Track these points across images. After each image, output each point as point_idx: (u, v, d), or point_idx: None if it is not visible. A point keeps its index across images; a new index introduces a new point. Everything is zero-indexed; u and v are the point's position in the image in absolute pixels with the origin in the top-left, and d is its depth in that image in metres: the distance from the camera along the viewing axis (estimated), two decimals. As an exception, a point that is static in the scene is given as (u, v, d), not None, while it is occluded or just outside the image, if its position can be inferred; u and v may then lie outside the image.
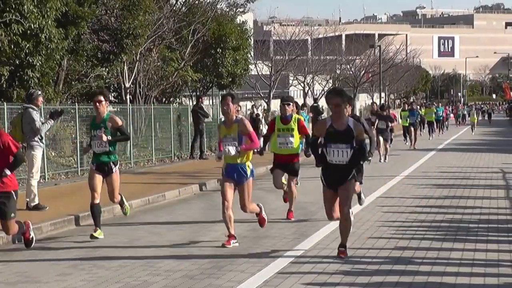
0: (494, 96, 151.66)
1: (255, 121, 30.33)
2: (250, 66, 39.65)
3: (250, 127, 10.81)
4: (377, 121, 26.32)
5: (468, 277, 8.63)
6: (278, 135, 13.38)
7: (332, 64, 61.20)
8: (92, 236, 11.17)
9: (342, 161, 9.73)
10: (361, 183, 13.44)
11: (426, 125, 45.47)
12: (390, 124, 26.76)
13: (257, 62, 48.27)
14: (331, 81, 61.76)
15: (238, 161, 10.71)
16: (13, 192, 10.12)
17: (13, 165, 10.04)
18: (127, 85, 28.07)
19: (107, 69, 25.43)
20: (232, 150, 10.59)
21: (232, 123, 10.77)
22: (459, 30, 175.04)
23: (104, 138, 11.42)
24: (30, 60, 19.63)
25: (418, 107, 49.14)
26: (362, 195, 13.89)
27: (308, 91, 57.25)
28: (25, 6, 19.13)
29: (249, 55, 39.52)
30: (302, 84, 56.50)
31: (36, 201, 13.96)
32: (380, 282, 8.39)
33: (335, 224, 12.48)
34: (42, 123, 14.01)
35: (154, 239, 11.57)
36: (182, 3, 33.01)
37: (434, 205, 14.89)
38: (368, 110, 71.28)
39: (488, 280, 8.50)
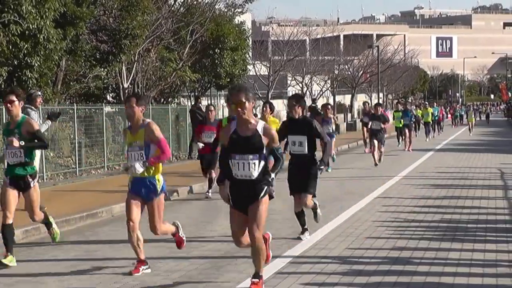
0: (492, 96, 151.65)
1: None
2: (248, 66, 39.65)
3: (159, 133, 9.13)
4: (370, 122, 24.91)
5: (466, 277, 8.64)
6: None
7: (330, 64, 61.18)
8: (0, 263, 9.44)
9: (249, 176, 7.91)
10: (314, 196, 11.43)
11: (422, 126, 43.86)
12: (382, 126, 24.65)
13: (255, 62, 48.27)
14: (329, 81, 61.77)
15: (146, 174, 9.10)
16: None
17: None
18: (125, 85, 28.06)
19: (105, 70, 25.42)
20: (139, 167, 8.99)
21: (138, 129, 9.11)
22: (457, 31, 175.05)
23: (16, 143, 9.65)
24: (29, 61, 19.63)
25: (414, 107, 48.24)
26: (318, 210, 11.75)
27: (306, 91, 57.22)
28: (24, 7, 19.14)
29: (247, 56, 39.53)
30: (300, 85, 56.48)
31: (35, 201, 13.91)
32: (378, 282, 8.41)
33: (334, 225, 12.53)
34: (41, 124, 14.01)
35: (152, 239, 11.56)
36: (180, 3, 33.02)
37: (432, 205, 14.90)
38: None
39: (486, 280, 8.51)
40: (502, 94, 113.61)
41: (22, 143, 9.72)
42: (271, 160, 8.45)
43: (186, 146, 28.48)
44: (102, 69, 25.34)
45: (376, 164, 23.66)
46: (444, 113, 58.13)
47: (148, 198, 9.14)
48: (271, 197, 8.48)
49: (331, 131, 22.97)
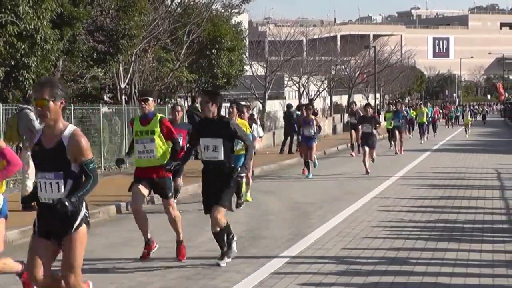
0: (489, 96, 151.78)
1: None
2: (245, 67, 39.66)
3: (1, 143, 7.71)
4: (360, 125, 22.42)
5: (463, 277, 8.65)
6: (136, 140, 10.15)
7: (327, 64, 61.20)
8: None
9: (52, 199, 6.07)
10: (231, 209, 9.90)
11: (416, 127, 42.38)
12: (374, 131, 22.12)
13: (252, 63, 48.27)
14: (326, 82, 61.81)
15: None
16: None
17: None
18: (123, 86, 28.06)
19: (102, 70, 25.42)
20: None
21: None
22: (454, 31, 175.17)
23: None
24: (26, 61, 19.62)
25: (408, 107, 47.40)
26: (234, 245, 9.68)
27: (303, 92, 57.24)
28: (21, 7, 19.12)
29: (244, 56, 39.54)
30: (297, 85, 56.51)
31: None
32: (375, 283, 8.42)
33: (331, 225, 12.54)
34: (40, 125, 14.07)
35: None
36: (177, 4, 33.01)
37: (429, 206, 14.92)
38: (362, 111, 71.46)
39: (483, 280, 8.53)
40: (498, 94, 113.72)
41: None
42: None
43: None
44: (99, 70, 25.34)
45: (367, 172, 21.36)
46: (439, 113, 56.68)
47: None
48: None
49: (312, 133, 21.25)
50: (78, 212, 6.16)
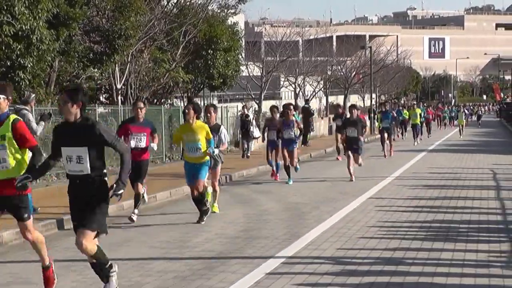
0: (484, 97, 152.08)
1: (245, 122, 30.28)
2: (241, 67, 39.69)
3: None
4: (346, 129, 20.74)
5: (459, 277, 8.67)
6: None
7: (323, 65, 61.29)
8: None
9: None
10: (105, 232, 8.12)
11: (409, 128, 41.32)
12: (360, 137, 20.34)
13: (248, 63, 48.31)
14: (322, 82, 61.85)
15: None
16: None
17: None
18: (119, 86, 28.06)
19: (98, 71, 25.41)
20: None
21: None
22: (449, 31, 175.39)
23: None
24: (22, 62, 19.62)
25: (402, 107, 46.50)
26: (112, 271, 8.05)
27: (299, 92, 57.29)
28: (16, 8, 19.12)
29: (240, 56, 39.56)
30: (293, 85, 56.55)
31: (28, 203, 13.92)
32: (371, 283, 8.43)
33: (327, 225, 12.56)
34: (37, 125, 14.07)
35: (145, 240, 11.58)
36: (173, 4, 33.02)
37: (425, 206, 14.93)
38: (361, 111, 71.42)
39: (479, 280, 8.54)
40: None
41: None
42: None
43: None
44: (95, 70, 25.33)
45: (351, 180, 19.77)
46: (432, 113, 54.80)
47: None
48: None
49: (293, 136, 19.71)
50: None
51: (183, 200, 16.88)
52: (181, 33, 31.45)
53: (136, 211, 13.44)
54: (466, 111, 65.60)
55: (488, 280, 8.55)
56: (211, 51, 33.65)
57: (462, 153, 31.82)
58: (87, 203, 7.63)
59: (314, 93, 60.70)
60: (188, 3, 33.39)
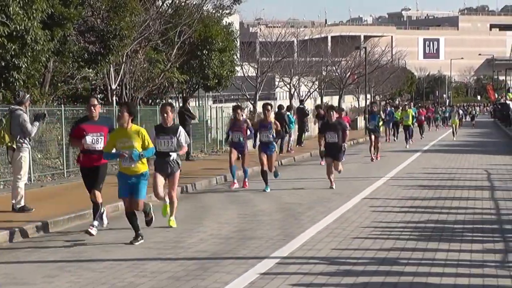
0: (479, 97, 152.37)
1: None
2: (236, 67, 39.64)
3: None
4: (324, 133, 18.95)
5: (454, 277, 8.68)
6: None
7: (318, 65, 61.22)
8: None
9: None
10: None
11: (401, 129, 40.18)
12: (341, 143, 18.65)
13: (243, 63, 48.25)
14: (317, 82, 61.83)
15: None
16: None
17: None
18: (113, 86, 28.01)
19: (93, 71, 25.37)
20: None
21: None
22: (444, 32, 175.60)
23: None
24: (16, 62, 19.56)
25: (393, 108, 45.64)
26: None
27: (294, 92, 57.26)
28: (11, 8, 19.06)
29: (235, 57, 39.50)
30: (288, 86, 56.52)
31: (22, 203, 13.94)
32: (365, 283, 8.44)
33: (322, 225, 12.57)
34: (32, 125, 14.06)
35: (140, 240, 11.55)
36: (168, 5, 32.98)
37: (419, 206, 14.95)
38: (356, 111, 71.50)
39: (473, 280, 8.56)
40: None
41: None
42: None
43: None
44: (90, 71, 25.28)
45: (331, 187, 18.39)
46: (425, 114, 53.63)
47: None
48: None
49: (271, 138, 18.36)
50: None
51: (178, 200, 16.86)
52: (176, 33, 31.42)
53: (95, 222, 11.88)
54: (460, 111, 64.21)
55: (482, 280, 8.57)
56: (206, 52, 33.62)
57: (457, 153, 31.86)
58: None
59: (309, 94, 60.68)
60: (183, 4, 33.35)
